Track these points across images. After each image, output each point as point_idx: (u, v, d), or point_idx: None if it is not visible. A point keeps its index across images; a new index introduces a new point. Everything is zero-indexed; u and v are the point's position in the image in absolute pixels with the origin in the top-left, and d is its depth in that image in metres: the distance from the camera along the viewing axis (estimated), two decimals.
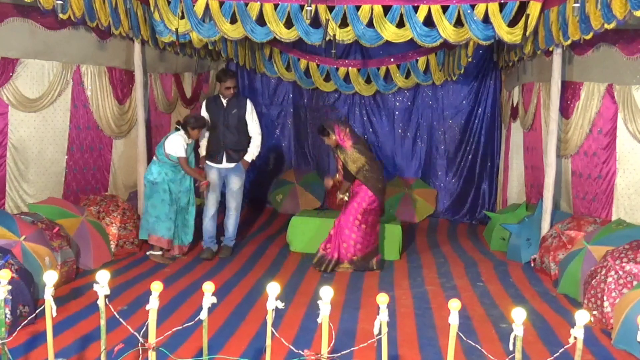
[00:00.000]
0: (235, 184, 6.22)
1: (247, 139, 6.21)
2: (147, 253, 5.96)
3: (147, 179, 5.86)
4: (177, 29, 5.96)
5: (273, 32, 5.79)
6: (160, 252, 5.92)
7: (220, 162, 6.14)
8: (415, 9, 5.57)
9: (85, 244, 5.40)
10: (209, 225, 6.23)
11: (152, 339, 2.40)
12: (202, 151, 6.30)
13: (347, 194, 5.86)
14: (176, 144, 5.72)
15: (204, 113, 6.18)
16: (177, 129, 5.89)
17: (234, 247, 6.47)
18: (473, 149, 8.91)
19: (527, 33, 5.55)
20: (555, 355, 2.37)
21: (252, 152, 6.23)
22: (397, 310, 4.72)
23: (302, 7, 5.59)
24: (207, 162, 6.20)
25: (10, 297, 3.58)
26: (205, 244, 6.24)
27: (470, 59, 7.79)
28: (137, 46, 6.48)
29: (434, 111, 9.07)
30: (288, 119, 9.53)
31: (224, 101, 6.11)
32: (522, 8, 5.50)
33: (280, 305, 2.40)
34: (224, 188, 6.34)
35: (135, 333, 2.44)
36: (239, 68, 9.19)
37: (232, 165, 6.14)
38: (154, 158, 5.93)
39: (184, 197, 5.98)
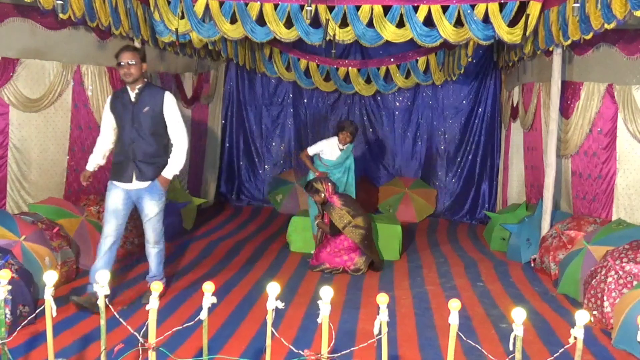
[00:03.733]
0: (152, 209, 4.46)
1: (166, 148, 4.49)
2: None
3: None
4: (177, 29, 5.96)
5: (273, 32, 5.79)
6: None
7: (130, 181, 4.37)
8: (415, 9, 5.58)
9: (85, 244, 5.40)
10: (99, 261, 4.37)
11: (152, 339, 2.40)
12: (101, 160, 4.67)
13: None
14: (320, 143, 6.70)
15: (107, 114, 4.51)
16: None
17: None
18: (473, 149, 8.92)
19: (527, 33, 5.55)
20: (555, 355, 2.37)
21: (174, 164, 4.44)
22: (397, 310, 4.72)
23: (302, 7, 5.59)
24: (112, 181, 4.45)
25: (10, 297, 3.58)
26: (88, 288, 4.35)
27: (470, 59, 7.79)
28: (137, 46, 6.48)
29: (434, 111, 9.09)
30: (288, 119, 9.55)
31: (132, 95, 4.38)
32: (522, 8, 5.50)
33: (280, 305, 2.40)
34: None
35: (135, 333, 2.44)
36: (239, 68, 9.21)
37: (145, 184, 4.39)
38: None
39: None
